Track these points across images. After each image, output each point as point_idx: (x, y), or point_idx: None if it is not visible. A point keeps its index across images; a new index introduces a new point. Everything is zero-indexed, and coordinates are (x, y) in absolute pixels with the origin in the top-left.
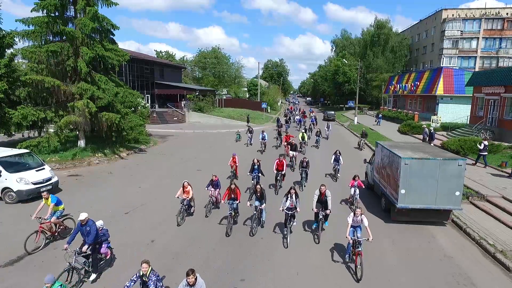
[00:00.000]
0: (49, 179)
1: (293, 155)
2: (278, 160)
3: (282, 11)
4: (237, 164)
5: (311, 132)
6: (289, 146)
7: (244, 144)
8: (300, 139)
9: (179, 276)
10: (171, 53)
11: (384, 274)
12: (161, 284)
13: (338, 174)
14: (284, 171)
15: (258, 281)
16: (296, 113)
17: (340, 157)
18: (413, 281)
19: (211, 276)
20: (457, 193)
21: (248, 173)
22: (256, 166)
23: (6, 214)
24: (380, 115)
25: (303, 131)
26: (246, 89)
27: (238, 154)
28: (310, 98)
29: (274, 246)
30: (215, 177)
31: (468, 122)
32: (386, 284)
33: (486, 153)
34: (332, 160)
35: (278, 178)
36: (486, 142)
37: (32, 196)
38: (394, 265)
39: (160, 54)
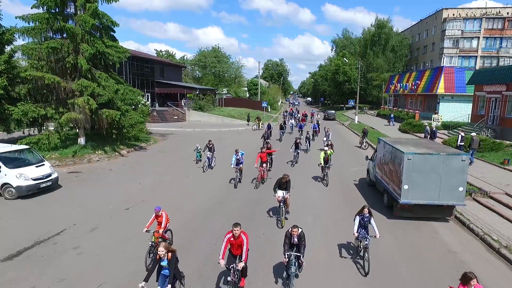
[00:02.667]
0: (49, 175)
1: (282, 198)
2: (231, 235)
3: (281, 11)
4: (164, 227)
5: (309, 142)
6: (264, 168)
7: (201, 167)
8: (322, 162)
9: (181, 269)
10: (171, 52)
11: (388, 269)
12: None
13: (368, 255)
14: (244, 260)
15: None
16: (295, 115)
17: (372, 220)
18: (417, 276)
19: (212, 270)
20: (461, 189)
21: (141, 285)
22: (165, 262)
23: (6, 210)
24: (392, 115)
25: (326, 149)
26: (246, 88)
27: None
28: (309, 98)
29: None
30: None
31: (469, 121)
32: (390, 279)
33: (463, 143)
34: (356, 228)
35: (230, 278)
36: (462, 134)
37: (31, 192)
38: (398, 261)
39: (160, 53)
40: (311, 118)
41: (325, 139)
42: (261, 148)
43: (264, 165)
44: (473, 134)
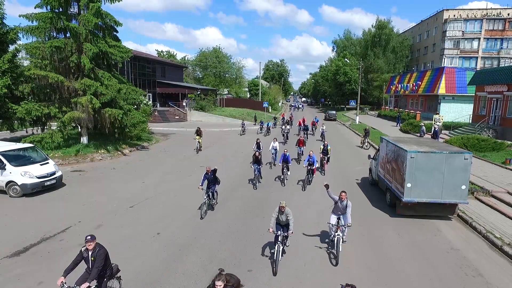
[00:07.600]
0: (53, 173)
1: None
2: None
3: (278, 12)
4: None
5: (287, 227)
6: None
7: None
8: None
9: (186, 265)
10: (172, 53)
11: (393, 265)
12: None
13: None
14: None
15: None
16: (287, 127)
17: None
18: (421, 272)
19: (217, 266)
20: (463, 187)
21: None
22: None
23: (11, 207)
24: (399, 115)
25: None
26: (247, 89)
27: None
28: (305, 98)
29: None
30: None
31: (470, 121)
32: (395, 274)
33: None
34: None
35: None
36: (424, 127)
37: (36, 190)
38: (402, 257)
39: (162, 53)
40: (312, 129)
41: (334, 219)
42: None
43: None
44: (438, 123)
